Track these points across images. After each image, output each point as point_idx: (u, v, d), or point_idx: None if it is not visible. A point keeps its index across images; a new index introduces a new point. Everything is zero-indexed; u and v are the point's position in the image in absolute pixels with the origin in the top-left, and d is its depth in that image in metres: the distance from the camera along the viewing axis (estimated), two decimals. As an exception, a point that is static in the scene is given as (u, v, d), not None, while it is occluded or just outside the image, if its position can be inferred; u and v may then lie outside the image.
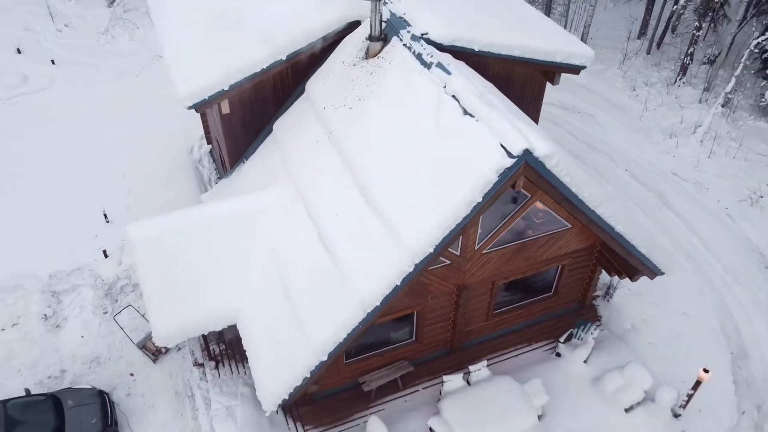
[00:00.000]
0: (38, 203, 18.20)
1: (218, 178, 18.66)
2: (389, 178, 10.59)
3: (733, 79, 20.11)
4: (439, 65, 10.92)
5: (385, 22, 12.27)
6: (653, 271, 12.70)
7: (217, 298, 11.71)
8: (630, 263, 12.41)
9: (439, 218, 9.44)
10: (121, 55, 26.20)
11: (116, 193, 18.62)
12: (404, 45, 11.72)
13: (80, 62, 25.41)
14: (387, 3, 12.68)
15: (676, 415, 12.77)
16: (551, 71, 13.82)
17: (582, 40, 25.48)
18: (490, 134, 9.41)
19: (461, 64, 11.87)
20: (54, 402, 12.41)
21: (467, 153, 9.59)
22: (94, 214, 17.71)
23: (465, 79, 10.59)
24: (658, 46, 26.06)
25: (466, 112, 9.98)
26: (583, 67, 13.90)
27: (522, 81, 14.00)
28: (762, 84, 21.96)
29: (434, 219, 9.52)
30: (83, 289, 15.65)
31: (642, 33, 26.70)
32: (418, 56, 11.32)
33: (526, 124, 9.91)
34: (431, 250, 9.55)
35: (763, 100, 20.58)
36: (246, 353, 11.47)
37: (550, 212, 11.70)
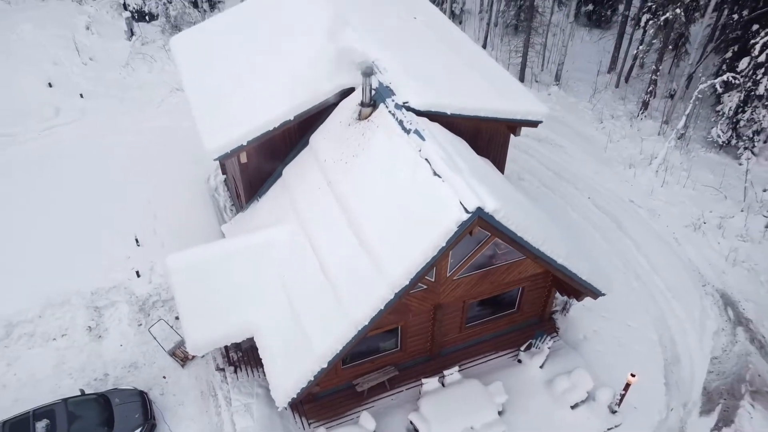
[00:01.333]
0: (75, 227, 20.87)
1: (232, 205, 21.48)
2: (376, 222, 13.38)
3: (684, 117, 22.90)
4: (416, 132, 13.71)
5: (374, 89, 15.05)
6: (595, 293, 15.50)
7: (238, 316, 14.49)
8: (574, 287, 15.21)
9: (413, 257, 12.24)
10: (142, 87, 28.96)
11: (143, 218, 21.35)
12: (389, 112, 14.51)
13: (105, 94, 28.18)
14: (375, 73, 15.44)
15: (613, 411, 15.55)
16: (513, 126, 16.61)
17: (557, 75, 28.27)
18: (452, 193, 12.20)
19: (435, 126, 14.69)
20: (104, 400, 15.21)
21: (435, 206, 12.39)
22: (125, 237, 20.46)
23: (436, 144, 13.39)
24: (626, 80, 28.84)
25: (435, 173, 12.78)
26: (540, 122, 16.68)
27: (489, 133, 16.80)
28: (713, 119, 24.69)
29: (409, 257, 12.31)
30: (120, 305, 18.43)
31: (612, 68, 29.50)
32: (400, 122, 14.11)
33: (482, 183, 12.64)
34: (407, 282, 12.34)
35: (710, 136, 23.32)
36: (261, 360, 14.28)
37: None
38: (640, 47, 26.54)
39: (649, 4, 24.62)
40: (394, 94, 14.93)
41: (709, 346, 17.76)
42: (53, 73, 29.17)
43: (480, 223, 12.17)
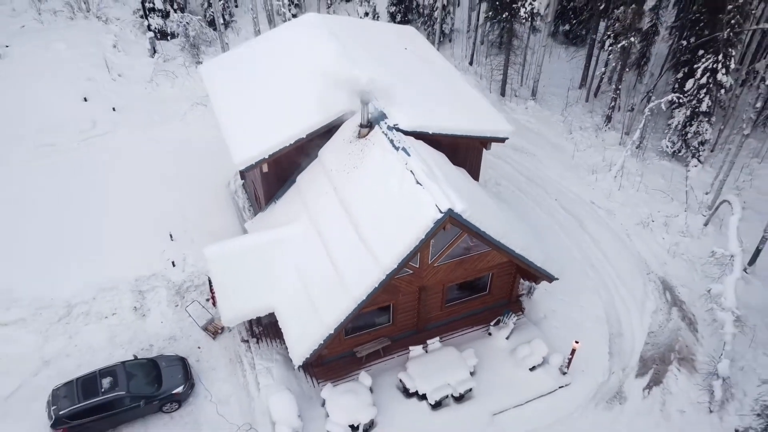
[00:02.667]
0: (116, 224, 24.48)
1: (250, 206, 25.15)
2: (371, 219, 17.06)
3: (639, 130, 26.57)
4: (404, 149, 17.39)
5: (370, 114, 18.70)
6: (549, 278, 19.21)
7: (261, 295, 18.17)
8: (529, 274, 18.92)
9: (399, 247, 15.92)
10: (165, 101, 32.61)
11: (174, 217, 25.00)
12: (383, 132, 18.18)
13: (134, 108, 31.81)
14: (372, 100, 19.07)
15: (563, 373, 19.23)
16: (484, 142, 20.30)
17: (533, 91, 31.94)
18: (430, 197, 15.88)
19: (419, 143, 18.37)
20: (153, 363, 18.88)
21: (416, 207, 16.07)
22: (160, 233, 24.12)
23: (419, 159, 17.07)
24: (595, 95, 32.52)
25: (417, 182, 16.45)
26: (506, 138, 20.37)
27: (464, 147, 20.48)
28: (665, 131, 28.31)
29: (397, 247, 15.99)
30: (159, 289, 22.11)
31: (582, 84, 33.17)
32: (391, 141, 17.79)
33: (454, 190, 16.30)
34: (395, 266, 16.02)
35: (660, 147, 27.00)
36: (279, 332, 17.96)
37: (477, 240, 18.18)
38: (605, 68, 30.19)
39: (608, 33, 28.26)
40: (386, 117, 18.61)
41: (647, 322, 21.45)
42: (88, 88, 32.84)
43: (451, 220, 15.85)
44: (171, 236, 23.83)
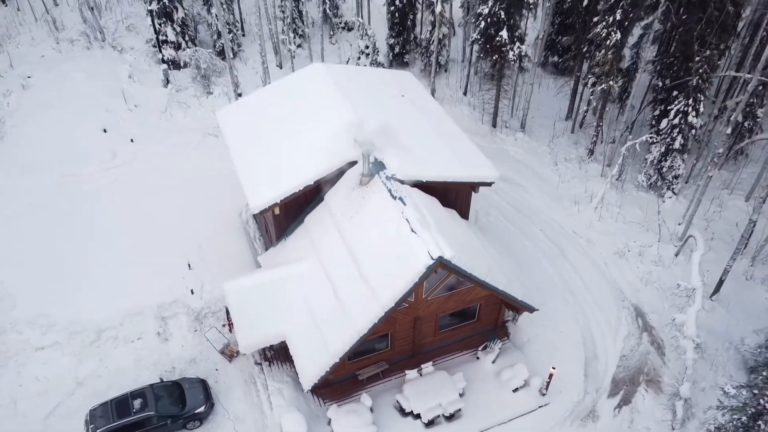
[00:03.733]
0: (138, 252, 26.75)
1: (260, 236, 27.47)
2: (372, 260, 19.40)
3: (617, 165, 28.92)
4: (400, 198, 19.74)
5: (371, 164, 21.02)
6: (529, 309, 21.58)
7: (274, 325, 20.50)
8: (512, 305, 21.29)
9: (396, 287, 18.28)
10: (179, 131, 34.91)
11: (191, 246, 27.32)
12: (382, 181, 20.50)
13: (151, 138, 34.08)
14: (373, 151, 21.36)
15: (543, 394, 21.59)
16: (473, 186, 22.64)
17: (522, 123, 34.27)
18: (423, 244, 18.22)
19: (414, 191, 20.70)
20: (178, 385, 21.24)
21: (411, 252, 18.41)
22: (179, 261, 26.45)
23: (414, 207, 19.41)
24: (580, 126, 34.84)
25: (412, 230, 18.79)
26: (493, 182, 22.71)
27: (455, 191, 22.83)
28: (642, 164, 30.61)
29: (394, 287, 18.34)
30: (180, 316, 24.45)
31: (568, 116, 35.50)
32: (389, 190, 20.12)
33: (444, 237, 18.65)
34: (393, 305, 18.38)
35: (638, 180, 29.36)
36: (290, 357, 20.29)
37: (465, 277, 20.54)
38: (587, 105, 32.56)
39: (590, 74, 30.59)
40: (385, 167, 20.95)
41: (620, 346, 23.82)
42: (106, 119, 35.14)
43: (441, 265, 18.20)
44: (189, 265, 26.17)
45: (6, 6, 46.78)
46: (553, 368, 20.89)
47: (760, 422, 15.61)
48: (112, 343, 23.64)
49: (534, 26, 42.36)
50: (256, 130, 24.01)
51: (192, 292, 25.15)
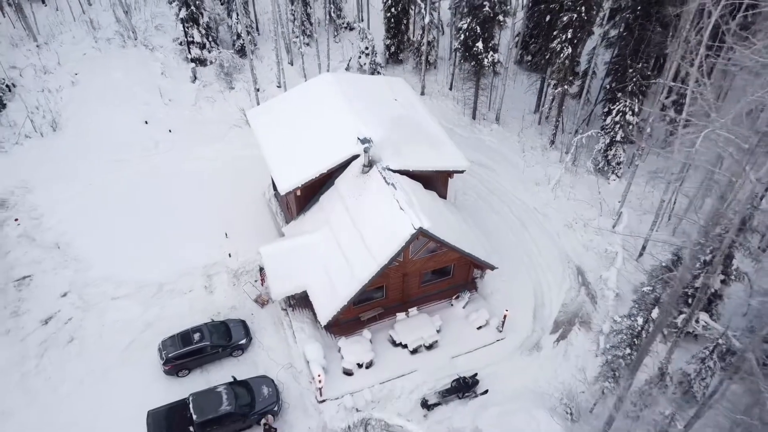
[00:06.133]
0: (185, 224, 33.50)
1: (281, 211, 34.19)
2: (371, 230, 26.20)
3: (570, 153, 35.53)
4: (392, 184, 26.44)
5: (370, 157, 27.62)
6: (490, 267, 28.50)
7: (298, 278, 27.38)
8: (478, 264, 28.21)
9: (388, 250, 25.12)
10: (207, 123, 41.31)
11: (226, 219, 34.02)
12: (378, 171, 27.16)
13: (185, 129, 40.52)
14: (371, 147, 27.88)
15: (500, 331, 28.62)
16: (450, 174, 29.34)
17: (497, 116, 40.75)
18: (408, 218, 25.00)
19: (403, 178, 27.39)
20: (224, 324, 28.20)
21: (399, 224, 25.19)
22: (217, 232, 33.19)
23: (402, 191, 26.13)
24: (546, 118, 41.32)
25: (401, 208, 25.54)
26: (464, 171, 29.38)
27: (435, 178, 29.48)
28: (593, 152, 37.20)
29: (387, 250, 25.18)
30: (221, 273, 31.29)
31: (536, 110, 41.95)
32: (384, 178, 26.79)
33: (424, 213, 25.39)
34: (386, 262, 25.24)
35: (587, 166, 36.05)
36: (310, 303, 27.24)
37: (441, 243, 27.41)
38: (552, 101, 39.04)
39: (550, 79, 36.98)
40: (381, 160, 27.60)
41: (562, 297, 30.76)
42: (146, 111, 41.56)
43: (421, 233, 25.01)
44: (226, 234, 32.98)
45: (46, 6, 52.71)
46: (506, 310, 27.91)
47: (636, 340, 22.48)
48: (170, 294, 30.52)
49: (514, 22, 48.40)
50: (281, 128, 30.55)
51: (229, 256, 31.99)
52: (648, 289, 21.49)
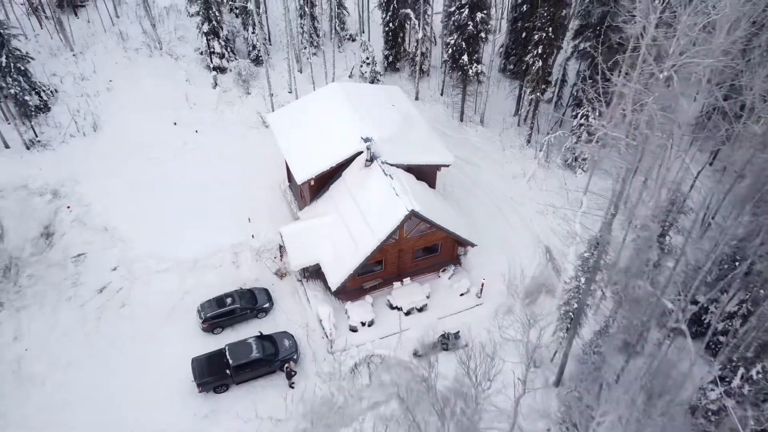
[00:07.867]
0: (213, 211, 39.34)
1: (295, 200, 40.08)
2: (372, 213, 32.14)
3: (543, 151, 41.43)
4: (389, 175, 32.37)
5: (371, 153, 33.50)
6: (471, 244, 34.45)
7: (312, 253, 33.28)
8: (461, 242, 34.20)
9: (386, 228, 31.07)
10: (229, 125, 47.06)
11: (249, 206, 39.83)
12: (378, 165, 33.10)
13: (210, 131, 46.31)
14: (372, 144, 33.73)
15: (478, 297, 34.56)
16: (438, 167, 35.27)
17: (482, 118, 46.67)
18: (401, 203, 30.94)
19: (399, 170, 33.33)
20: (251, 291, 34.13)
21: (395, 208, 31.14)
22: (241, 217, 39.02)
23: (398, 181, 32.07)
24: (525, 120, 47.21)
25: (396, 194, 31.48)
26: (450, 165, 35.32)
27: (426, 170, 35.42)
28: (563, 150, 43.10)
29: (385, 228, 31.13)
30: (245, 252, 37.17)
31: (516, 113, 47.88)
32: (383, 170, 32.72)
33: (416, 199, 31.30)
34: (384, 238, 31.19)
35: (557, 162, 42.02)
36: (322, 274, 33.15)
37: (429, 224, 33.36)
38: (530, 105, 45.01)
39: (526, 87, 42.93)
40: (380, 155, 33.54)
41: (532, 271, 36.67)
42: (174, 114, 47.36)
43: (413, 215, 30.94)
44: (249, 219, 38.89)
45: (78, 18, 58.50)
46: (484, 280, 33.87)
47: (579, 296, 28.45)
48: (203, 269, 36.40)
49: (495, 38, 54.33)
50: (296, 129, 36.48)
51: (252, 237, 37.89)
52: (588, 254, 27.39)
